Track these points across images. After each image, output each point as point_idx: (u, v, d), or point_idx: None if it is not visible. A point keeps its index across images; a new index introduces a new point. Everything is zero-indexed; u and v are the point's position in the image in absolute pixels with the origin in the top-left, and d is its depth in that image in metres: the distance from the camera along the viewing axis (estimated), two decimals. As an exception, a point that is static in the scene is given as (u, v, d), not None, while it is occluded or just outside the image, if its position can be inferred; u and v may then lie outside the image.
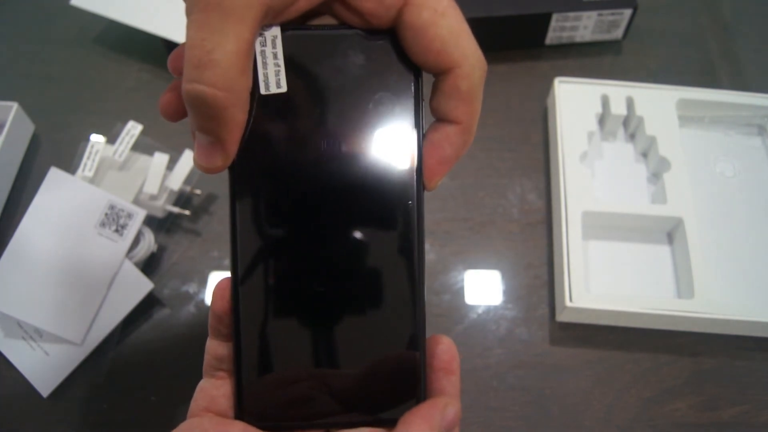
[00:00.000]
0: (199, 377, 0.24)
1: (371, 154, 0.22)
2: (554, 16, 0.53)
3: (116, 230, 0.42)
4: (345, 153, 0.22)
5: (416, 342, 0.23)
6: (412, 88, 0.22)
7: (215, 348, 0.24)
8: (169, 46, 0.52)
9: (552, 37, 0.55)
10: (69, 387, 0.41)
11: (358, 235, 0.23)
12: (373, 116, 0.22)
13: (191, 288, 0.45)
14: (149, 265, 0.45)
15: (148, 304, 0.43)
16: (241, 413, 0.23)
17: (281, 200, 0.22)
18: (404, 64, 0.22)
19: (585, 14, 0.53)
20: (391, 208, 0.23)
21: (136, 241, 0.43)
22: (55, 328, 0.40)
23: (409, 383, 0.23)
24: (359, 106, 0.22)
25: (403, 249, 0.23)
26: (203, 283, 0.45)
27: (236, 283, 0.23)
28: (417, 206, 0.23)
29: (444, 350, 0.23)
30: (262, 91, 0.22)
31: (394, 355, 0.23)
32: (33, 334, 0.41)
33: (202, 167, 0.21)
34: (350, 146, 0.22)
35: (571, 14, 0.53)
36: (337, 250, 0.23)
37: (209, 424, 0.22)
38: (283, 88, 0.22)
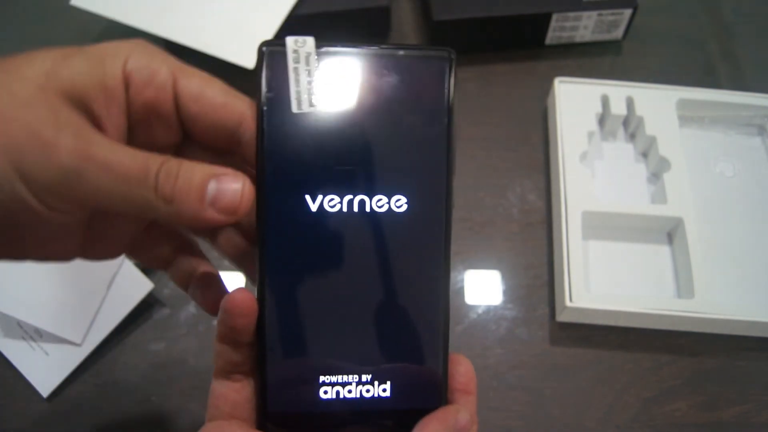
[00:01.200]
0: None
1: (401, 179, 0.22)
2: (554, 16, 0.53)
3: (116, 230, 0.42)
4: (375, 176, 0.22)
5: (438, 354, 0.23)
6: (446, 113, 0.22)
7: (228, 354, 0.23)
8: (170, 46, 0.52)
9: (552, 37, 0.55)
10: (69, 387, 0.41)
11: (384, 264, 0.23)
12: (405, 139, 0.22)
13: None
14: (149, 265, 0.45)
15: (148, 304, 0.43)
16: (264, 421, 0.23)
17: (310, 215, 0.22)
18: (438, 89, 0.22)
19: (585, 14, 0.53)
20: (420, 227, 0.23)
21: (136, 241, 0.43)
22: (55, 328, 0.40)
23: (431, 393, 0.24)
24: (391, 129, 0.22)
25: (428, 278, 0.23)
26: (203, 283, 0.45)
27: (263, 295, 0.22)
28: (445, 228, 0.23)
29: (462, 372, 0.25)
30: (294, 110, 0.21)
31: (418, 366, 0.23)
32: (33, 334, 0.41)
33: (230, 211, 0.21)
34: (380, 170, 0.22)
35: (571, 14, 0.53)
36: (366, 277, 0.23)
37: (239, 431, 0.22)
38: (316, 107, 0.22)
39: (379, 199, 0.22)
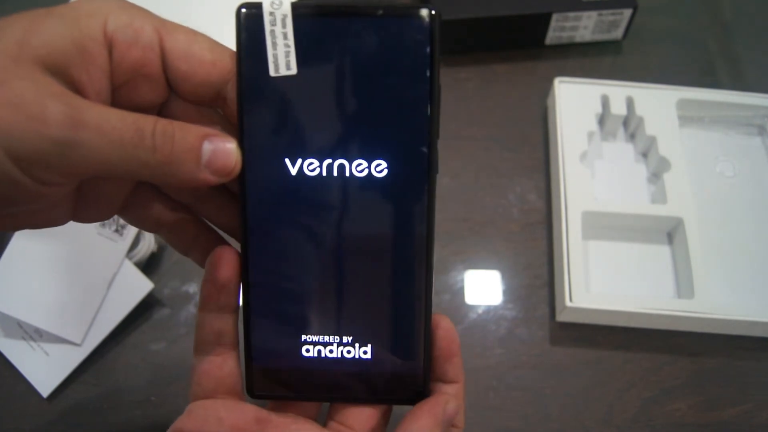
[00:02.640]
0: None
1: (382, 140, 0.22)
2: (554, 16, 0.53)
3: (116, 230, 0.42)
4: (356, 137, 0.22)
5: (420, 318, 0.23)
6: (428, 75, 0.22)
7: (211, 322, 0.23)
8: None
9: (552, 37, 0.55)
10: (69, 387, 0.41)
11: (366, 226, 0.23)
12: (386, 103, 0.22)
13: (191, 288, 0.45)
14: (149, 265, 0.45)
15: (148, 304, 0.43)
16: (252, 387, 0.23)
17: (290, 178, 0.22)
18: (420, 49, 0.21)
19: (585, 14, 0.53)
20: (403, 195, 0.23)
21: (136, 241, 0.43)
22: (55, 328, 0.40)
23: (412, 357, 0.23)
24: (371, 91, 0.22)
25: (411, 240, 0.23)
26: (203, 283, 0.45)
27: (246, 249, 0.22)
28: (428, 194, 0.23)
29: (442, 336, 0.24)
30: (272, 73, 0.21)
31: (399, 329, 0.23)
32: (33, 334, 0.41)
33: (224, 172, 0.21)
34: (361, 134, 0.22)
35: (571, 14, 0.53)
36: (347, 240, 0.23)
37: (223, 409, 0.22)
38: (293, 71, 0.21)
39: (359, 164, 0.22)
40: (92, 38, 0.19)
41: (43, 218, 0.22)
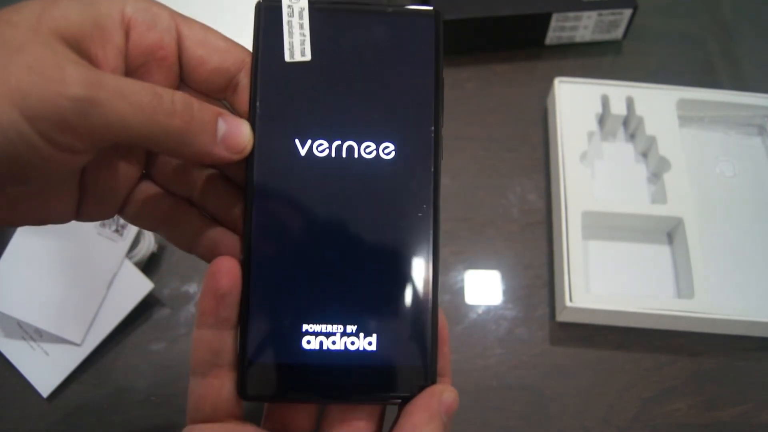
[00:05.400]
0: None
1: (390, 127, 0.23)
2: (554, 16, 0.53)
3: (116, 230, 0.42)
4: (364, 123, 0.23)
5: (427, 308, 0.23)
6: (434, 67, 0.23)
7: (210, 340, 0.22)
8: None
9: (552, 37, 0.55)
10: (69, 387, 0.41)
11: (373, 210, 0.23)
12: (393, 90, 0.23)
13: (191, 288, 0.45)
14: (149, 265, 0.45)
15: (148, 304, 0.43)
16: (245, 388, 0.22)
17: (300, 159, 0.23)
18: (426, 44, 0.23)
19: (585, 14, 0.53)
20: (407, 182, 0.23)
21: (136, 241, 0.43)
22: (55, 328, 0.40)
23: (418, 349, 0.23)
24: (380, 79, 0.23)
25: (417, 228, 0.23)
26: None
27: (250, 230, 0.22)
28: (434, 178, 0.23)
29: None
30: (287, 59, 0.22)
31: (406, 319, 0.23)
32: (33, 334, 0.41)
33: (237, 149, 0.22)
34: (369, 117, 0.23)
35: (571, 14, 0.53)
36: (353, 223, 0.23)
37: None
38: (308, 57, 0.23)
39: (368, 146, 0.23)
40: (110, 18, 0.20)
41: (47, 212, 0.21)
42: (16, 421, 0.40)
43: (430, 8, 0.24)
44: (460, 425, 0.40)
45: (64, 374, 0.41)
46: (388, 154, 0.23)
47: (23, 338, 0.41)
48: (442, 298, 0.45)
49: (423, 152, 0.23)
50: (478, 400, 0.41)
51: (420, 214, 0.23)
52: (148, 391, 0.41)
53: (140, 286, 0.42)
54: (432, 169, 0.23)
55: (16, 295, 0.40)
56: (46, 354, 0.41)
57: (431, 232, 0.23)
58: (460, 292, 0.45)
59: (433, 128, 0.23)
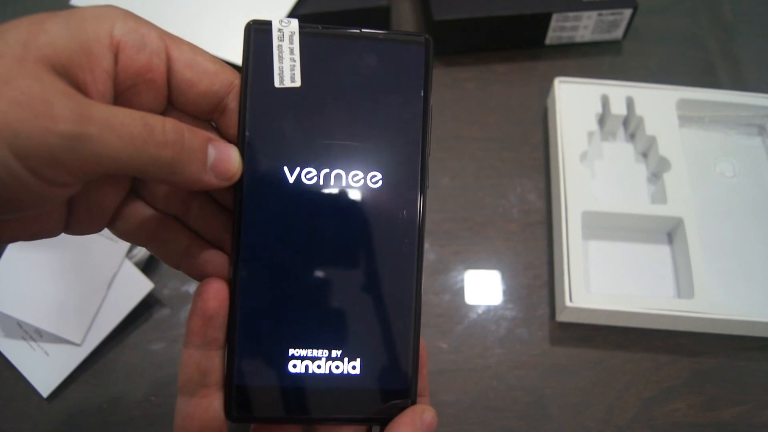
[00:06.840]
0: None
1: (378, 156, 0.23)
2: (554, 16, 0.53)
3: (116, 230, 0.42)
4: (352, 151, 0.23)
5: (409, 333, 0.23)
6: (422, 95, 0.23)
7: (198, 360, 0.22)
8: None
9: (552, 37, 0.55)
10: (69, 387, 0.41)
11: (359, 237, 0.23)
12: (382, 118, 0.23)
13: (191, 288, 0.45)
14: (149, 265, 0.45)
15: (148, 304, 0.43)
16: (230, 409, 0.23)
17: (288, 186, 0.23)
18: (415, 72, 0.23)
19: (585, 14, 0.53)
20: (393, 211, 0.23)
21: (136, 241, 0.43)
22: (55, 328, 0.40)
23: (401, 373, 0.23)
24: (369, 108, 0.23)
25: (402, 255, 0.23)
26: (203, 283, 0.45)
27: (237, 255, 0.23)
28: (420, 207, 0.23)
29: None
30: (277, 84, 0.22)
31: (389, 344, 0.23)
32: (33, 334, 0.41)
33: (226, 176, 0.21)
34: (357, 146, 0.23)
35: (571, 14, 0.53)
36: (339, 250, 0.23)
37: None
38: (297, 83, 0.22)
39: (356, 174, 0.23)
40: (98, 41, 0.20)
41: (36, 229, 0.21)
42: (16, 421, 0.40)
43: (421, 35, 0.23)
44: (460, 425, 0.40)
45: (64, 374, 0.41)
46: (375, 182, 0.23)
47: (23, 338, 0.41)
48: (443, 298, 0.45)
49: (410, 182, 0.23)
50: (478, 400, 0.41)
51: (405, 241, 0.23)
52: (148, 391, 0.41)
53: (140, 286, 0.42)
54: (418, 198, 0.23)
55: (16, 295, 0.40)
56: (46, 354, 0.41)
57: (415, 260, 0.23)
58: (460, 292, 0.45)
59: (420, 158, 0.23)
